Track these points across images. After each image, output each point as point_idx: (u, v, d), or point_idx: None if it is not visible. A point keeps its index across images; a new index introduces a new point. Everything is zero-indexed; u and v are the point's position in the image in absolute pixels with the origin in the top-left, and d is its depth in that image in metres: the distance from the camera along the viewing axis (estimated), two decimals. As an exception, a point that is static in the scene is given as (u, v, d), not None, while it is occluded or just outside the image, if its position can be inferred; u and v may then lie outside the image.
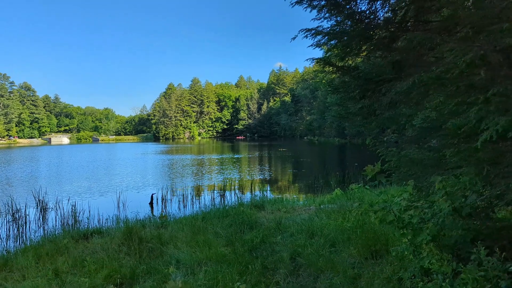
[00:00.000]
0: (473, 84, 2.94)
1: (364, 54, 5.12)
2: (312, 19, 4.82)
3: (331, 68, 5.22)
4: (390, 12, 4.86)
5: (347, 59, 5.24)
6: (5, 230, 11.53)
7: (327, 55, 5.47)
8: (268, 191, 18.78)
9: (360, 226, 6.24)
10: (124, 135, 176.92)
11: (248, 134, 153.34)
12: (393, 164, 4.77)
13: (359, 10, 4.70)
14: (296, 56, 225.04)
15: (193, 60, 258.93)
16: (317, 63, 5.18)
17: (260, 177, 24.72)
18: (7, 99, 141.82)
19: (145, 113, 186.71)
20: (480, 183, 3.79)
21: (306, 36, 4.81)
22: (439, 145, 4.23)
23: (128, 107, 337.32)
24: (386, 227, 5.17)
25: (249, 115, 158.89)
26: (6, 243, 10.24)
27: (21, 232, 11.45)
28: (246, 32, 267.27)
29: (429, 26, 4.12)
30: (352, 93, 5.25)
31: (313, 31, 4.66)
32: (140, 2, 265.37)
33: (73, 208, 12.52)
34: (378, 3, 4.57)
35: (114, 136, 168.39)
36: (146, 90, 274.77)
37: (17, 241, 10.53)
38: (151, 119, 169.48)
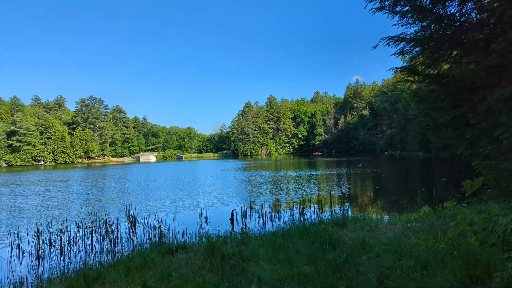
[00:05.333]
0: None
1: (453, 60, 4.74)
2: (393, 25, 4.56)
3: (416, 77, 4.87)
4: (483, 13, 4.45)
5: (432, 67, 4.89)
6: (100, 243, 12.47)
7: (411, 63, 5.14)
8: (348, 208, 18.16)
9: (456, 247, 5.68)
10: (205, 152, 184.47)
11: (325, 150, 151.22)
12: (491, 178, 4.29)
13: (448, 13, 4.36)
14: (373, 69, 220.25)
15: (268, 78, 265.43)
16: (401, 72, 4.87)
17: (340, 193, 24.02)
18: (102, 121, 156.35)
19: (224, 131, 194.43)
20: None
21: (388, 44, 4.55)
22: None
23: (208, 126, 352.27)
24: (487, 249, 4.64)
25: (325, 131, 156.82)
26: (100, 256, 11.02)
27: (113, 245, 12.28)
28: (320, 47, 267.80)
29: (532, 24, 3.68)
30: (441, 103, 4.85)
31: (395, 38, 4.41)
32: (213, 24, 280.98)
33: (159, 223, 13.19)
34: (470, 4, 4.20)
35: (196, 154, 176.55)
36: (225, 109, 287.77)
37: (109, 254, 11.28)
38: (230, 136, 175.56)
